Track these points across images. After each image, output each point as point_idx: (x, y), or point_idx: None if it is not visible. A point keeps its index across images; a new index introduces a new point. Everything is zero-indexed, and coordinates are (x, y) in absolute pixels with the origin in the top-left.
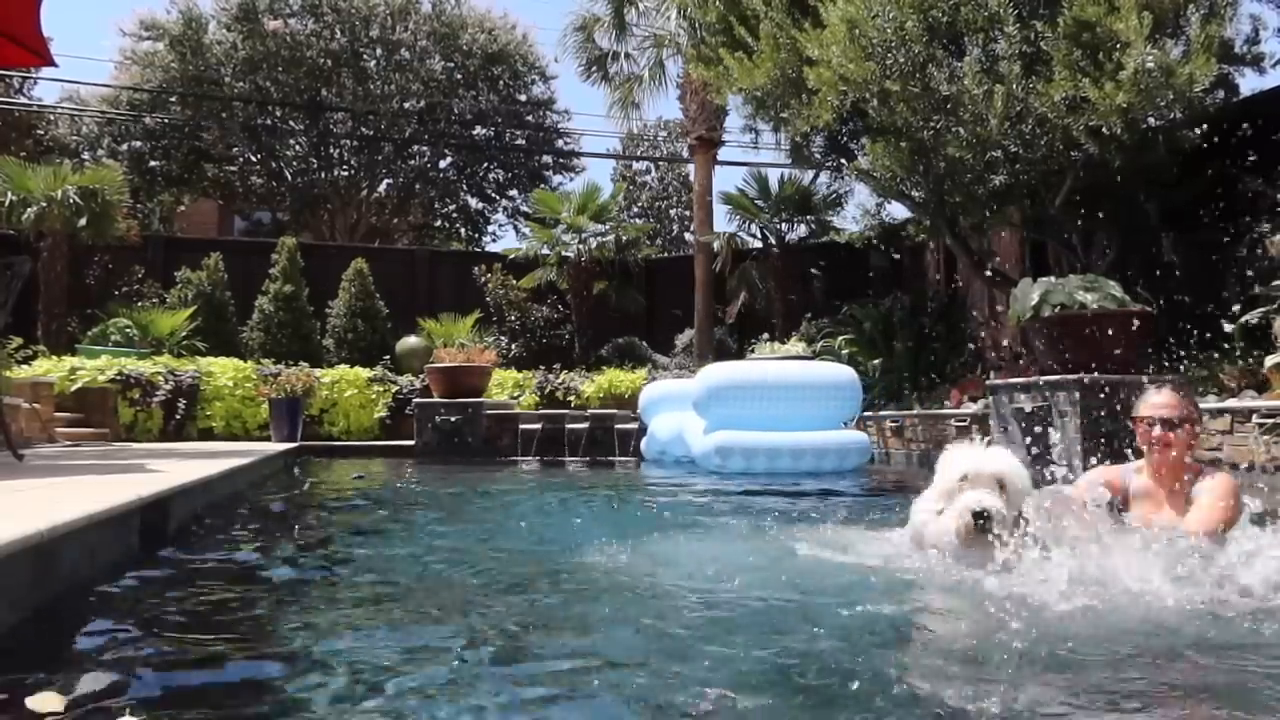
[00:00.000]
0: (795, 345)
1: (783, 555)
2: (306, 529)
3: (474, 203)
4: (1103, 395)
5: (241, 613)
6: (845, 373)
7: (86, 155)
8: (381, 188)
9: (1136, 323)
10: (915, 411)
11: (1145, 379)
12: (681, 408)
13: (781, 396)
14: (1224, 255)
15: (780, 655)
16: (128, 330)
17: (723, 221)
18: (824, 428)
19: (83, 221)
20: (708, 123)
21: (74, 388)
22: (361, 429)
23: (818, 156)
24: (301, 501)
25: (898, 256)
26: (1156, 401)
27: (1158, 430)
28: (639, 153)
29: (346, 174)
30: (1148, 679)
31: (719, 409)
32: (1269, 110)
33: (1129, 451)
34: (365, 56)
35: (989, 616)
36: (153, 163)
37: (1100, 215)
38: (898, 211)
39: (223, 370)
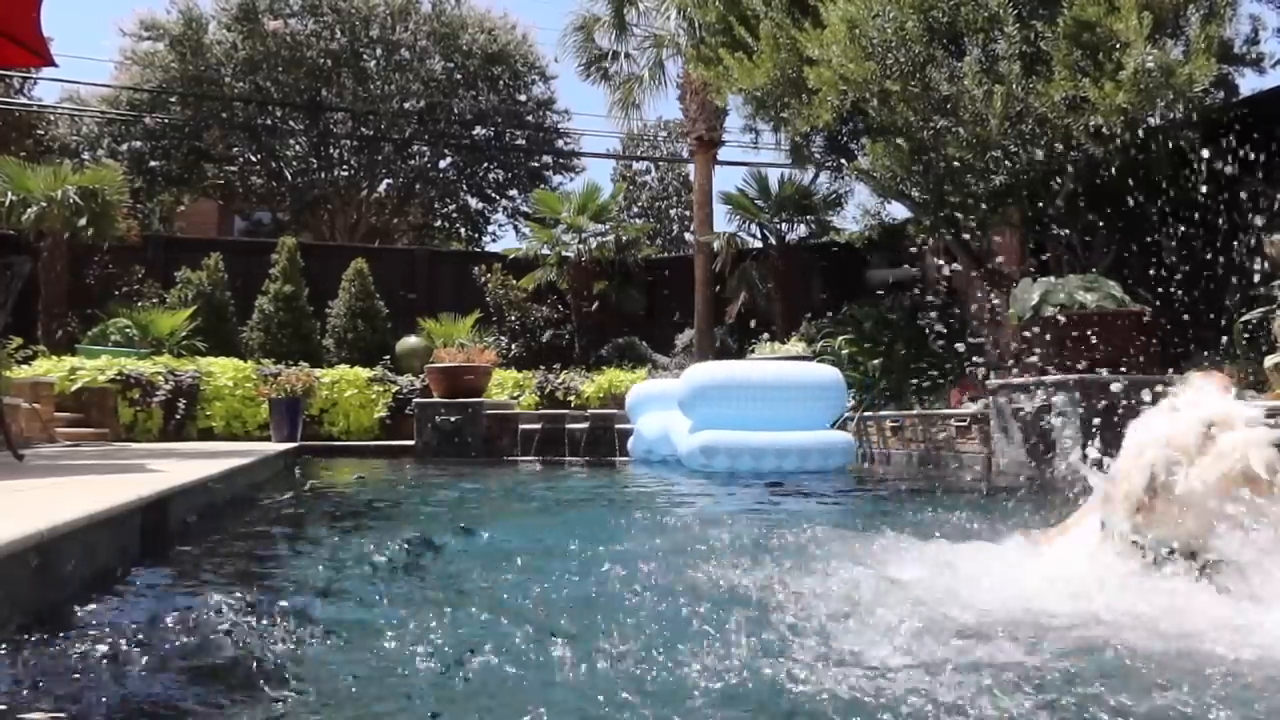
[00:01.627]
0: (795, 345)
1: None
2: (306, 528)
3: (474, 203)
4: (1102, 395)
5: (240, 613)
6: (829, 373)
7: (86, 155)
8: (381, 188)
9: (1135, 323)
10: (915, 411)
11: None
12: (667, 407)
13: (766, 396)
14: (1224, 255)
15: None
16: (128, 330)
17: (723, 221)
18: (808, 427)
19: (83, 221)
20: (708, 123)
21: (74, 388)
22: (361, 429)
23: (818, 156)
24: (301, 501)
25: (898, 256)
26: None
27: None
28: (639, 153)
29: (346, 174)
30: None
31: (704, 409)
32: (1269, 110)
33: None
34: (365, 56)
35: None
36: (153, 163)
37: (1100, 215)
38: (898, 211)
39: (223, 370)
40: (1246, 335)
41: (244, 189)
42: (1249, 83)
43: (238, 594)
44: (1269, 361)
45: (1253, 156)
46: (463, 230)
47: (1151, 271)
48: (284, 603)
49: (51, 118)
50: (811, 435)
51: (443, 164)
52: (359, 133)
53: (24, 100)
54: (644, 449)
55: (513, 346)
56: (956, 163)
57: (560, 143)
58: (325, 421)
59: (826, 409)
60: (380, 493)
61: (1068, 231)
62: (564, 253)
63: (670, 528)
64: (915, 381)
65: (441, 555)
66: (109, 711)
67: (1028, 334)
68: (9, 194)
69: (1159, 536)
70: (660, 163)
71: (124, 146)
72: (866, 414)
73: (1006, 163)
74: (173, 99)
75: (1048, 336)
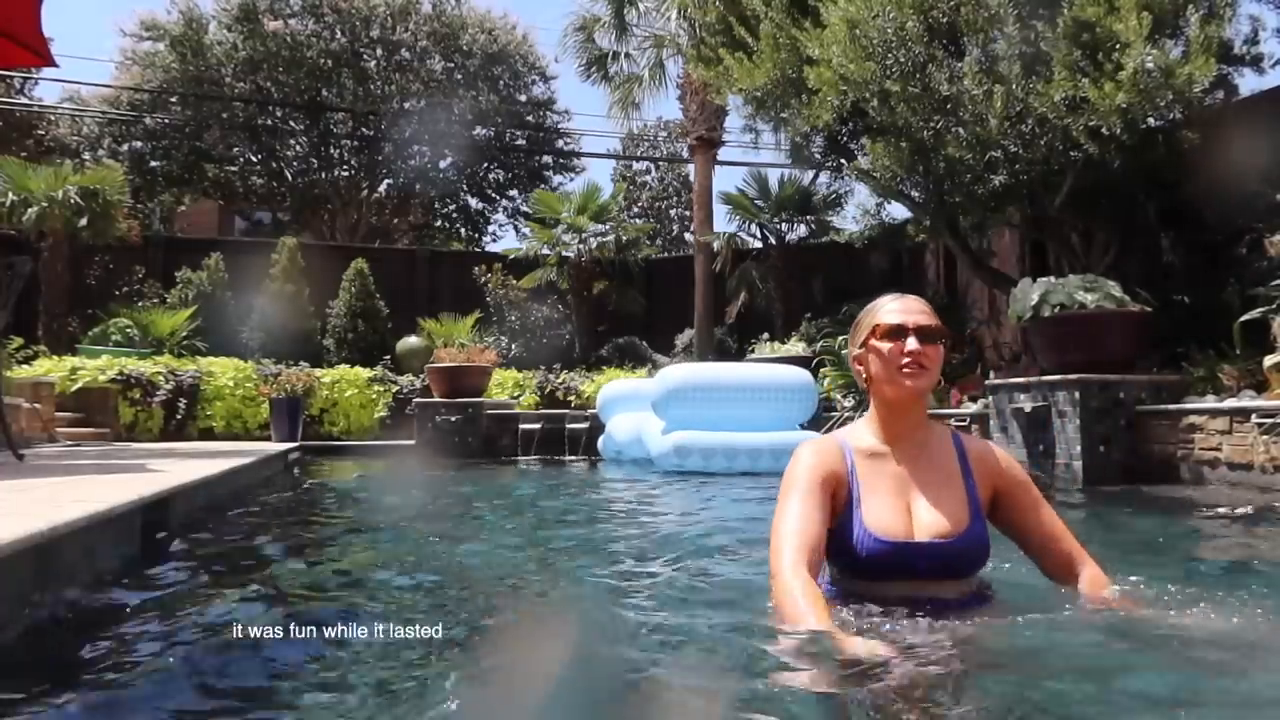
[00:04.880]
0: (795, 345)
1: None
2: (306, 528)
3: (474, 203)
4: (1102, 395)
5: (239, 613)
6: (800, 375)
7: (87, 155)
8: (382, 188)
9: (1135, 323)
10: None
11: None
12: (638, 408)
13: (739, 398)
14: (1224, 255)
15: None
16: (128, 330)
17: (723, 221)
18: (781, 428)
19: (83, 221)
20: (708, 123)
21: (75, 388)
22: (362, 429)
23: (818, 156)
24: (301, 500)
25: (898, 256)
26: (906, 306)
27: (913, 343)
28: (639, 153)
29: (347, 174)
30: None
31: (677, 410)
32: (1268, 110)
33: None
34: (365, 57)
35: None
36: (153, 163)
37: (1100, 215)
38: (898, 211)
39: (223, 370)
40: (1246, 335)
41: (244, 189)
42: (1248, 83)
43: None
44: (1269, 361)
45: (1252, 156)
46: (463, 230)
47: (1151, 271)
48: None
49: (52, 118)
50: (784, 435)
51: (443, 164)
52: (359, 133)
53: (25, 100)
54: (614, 449)
55: (513, 346)
56: (957, 162)
57: (560, 143)
58: (325, 421)
59: (798, 409)
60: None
61: (1068, 232)
62: (564, 253)
63: None
64: None
65: None
66: None
67: (1027, 334)
68: (10, 194)
69: None
70: (660, 163)
71: (125, 147)
72: (867, 414)
73: (1006, 163)
74: (173, 99)
75: (1047, 336)
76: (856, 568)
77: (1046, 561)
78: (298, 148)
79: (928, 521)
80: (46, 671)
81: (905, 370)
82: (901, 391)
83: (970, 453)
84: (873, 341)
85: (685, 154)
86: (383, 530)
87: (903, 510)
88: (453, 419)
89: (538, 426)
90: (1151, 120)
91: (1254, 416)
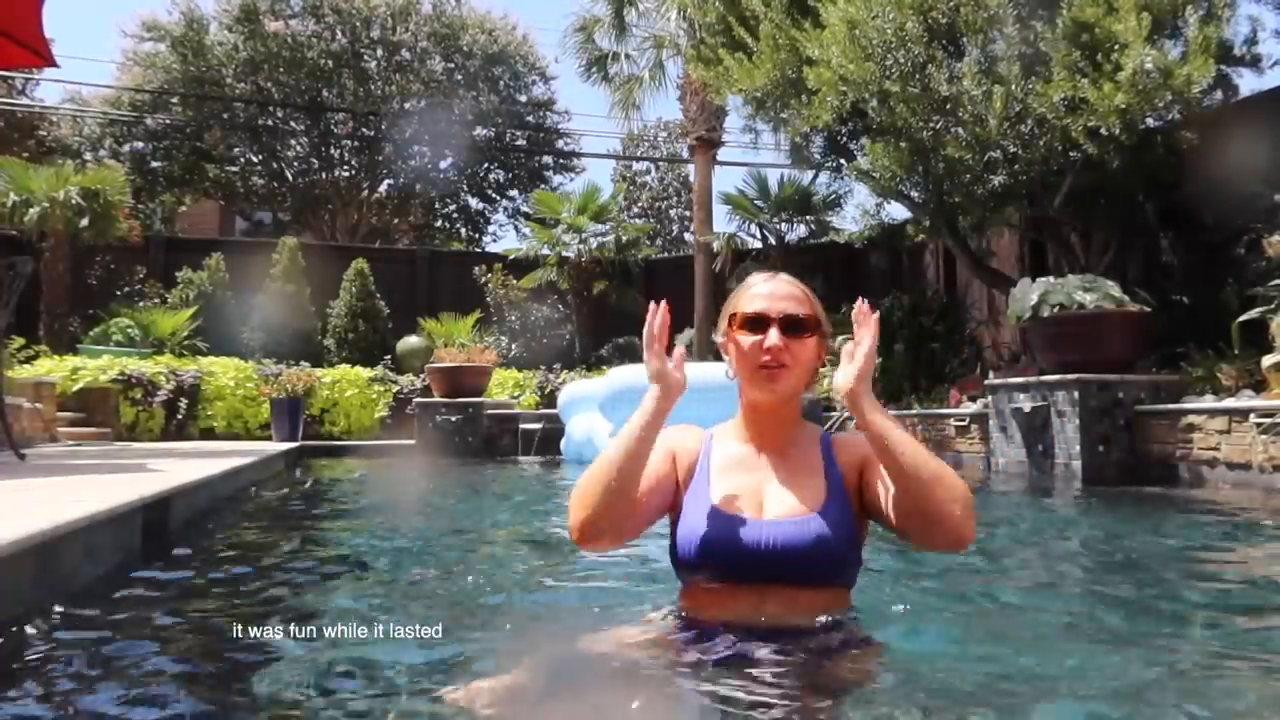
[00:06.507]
0: None
1: None
2: (306, 528)
3: (474, 203)
4: (1102, 394)
5: (239, 613)
6: None
7: (89, 156)
8: (382, 188)
9: (1134, 322)
10: (915, 411)
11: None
12: (594, 409)
13: (692, 397)
14: (1222, 255)
15: None
16: (129, 330)
17: (723, 221)
18: None
19: (85, 222)
20: (708, 123)
21: (76, 387)
22: (362, 428)
23: (818, 157)
24: (302, 500)
25: (898, 256)
26: (773, 291)
27: (774, 336)
28: (639, 153)
29: (347, 174)
30: None
31: (625, 410)
32: (1268, 110)
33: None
34: (366, 57)
35: None
36: (154, 163)
37: (1099, 215)
38: (898, 211)
39: (224, 370)
40: (1244, 335)
41: (245, 189)
42: (1247, 83)
43: None
44: (1268, 361)
45: (1251, 157)
46: (463, 230)
47: (1151, 271)
48: None
49: (54, 118)
50: None
51: (443, 164)
52: (360, 133)
53: (26, 101)
54: (574, 450)
55: (513, 346)
56: (956, 163)
57: (560, 143)
58: (326, 421)
59: None
60: None
61: (1067, 232)
62: (564, 253)
63: None
64: (915, 381)
65: None
66: None
67: (1027, 334)
68: (11, 194)
69: None
70: (660, 163)
71: (126, 147)
72: None
73: (1006, 163)
74: (174, 100)
75: (1046, 337)
76: (697, 557)
77: (903, 505)
78: (298, 148)
79: (777, 503)
80: (45, 671)
81: (763, 369)
82: (761, 394)
83: (835, 441)
84: (732, 331)
85: (685, 154)
86: (383, 529)
87: (753, 493)
88: (453, 419)
89: (538, 426)
90: (1150, 121)
91: (1253, 416)
